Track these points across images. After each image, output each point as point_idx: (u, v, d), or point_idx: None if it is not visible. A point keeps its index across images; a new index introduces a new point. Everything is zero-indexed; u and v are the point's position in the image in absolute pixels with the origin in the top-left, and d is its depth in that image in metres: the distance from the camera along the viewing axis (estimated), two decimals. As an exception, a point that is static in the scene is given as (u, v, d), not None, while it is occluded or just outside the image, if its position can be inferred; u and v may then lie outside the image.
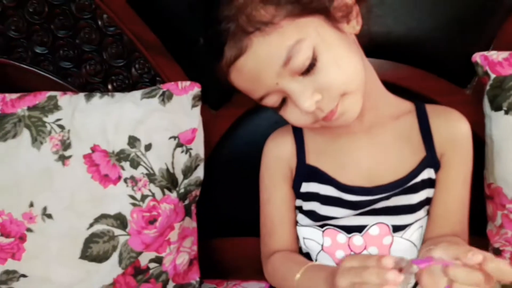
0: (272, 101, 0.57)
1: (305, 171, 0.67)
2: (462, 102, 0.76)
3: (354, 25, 0.57)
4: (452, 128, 0.64)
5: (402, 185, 0.63)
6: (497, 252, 0.76)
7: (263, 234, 0.72)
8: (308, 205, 0.67)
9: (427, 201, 0.66)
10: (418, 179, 0.64)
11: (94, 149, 0.73)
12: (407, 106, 0.67)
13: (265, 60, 0.52)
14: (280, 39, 0.51)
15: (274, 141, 0.70)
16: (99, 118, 0.74)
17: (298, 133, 0.68)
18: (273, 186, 0.69)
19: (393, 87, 0.68)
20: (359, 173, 0.65)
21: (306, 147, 0.67)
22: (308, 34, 0.52)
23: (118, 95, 0.76)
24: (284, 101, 0.57)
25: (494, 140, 0.72)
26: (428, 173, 0.64)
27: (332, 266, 0.57)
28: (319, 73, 0.53)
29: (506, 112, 0.68)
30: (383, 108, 0.66)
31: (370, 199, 0.64)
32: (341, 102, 0.55)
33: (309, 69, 0.53)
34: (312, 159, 0.67)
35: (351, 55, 0.55)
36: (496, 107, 0.70)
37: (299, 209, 0.69)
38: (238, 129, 0.83)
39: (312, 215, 0.67)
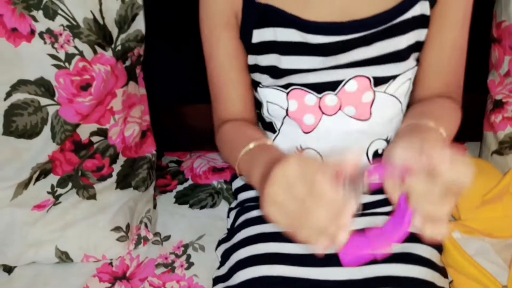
0: None
1: (255, 13, 0.52)
2: None
3: None
4: None
5: (386, 21, 0.49)
6: (499, 105, 0.66)
7: (211, 98, 0.59)
8: (264, 59, 0.53)
9: (418, 46, 0.52)
10: (408, 14, 0.50)
11: (-9, -5, 0.56)
12: None
13: None
14: None
15: None
16: None
17: None
18: (214, 37, 0.55)
19: None
20: (330, 8, 0.50)
21: None
22: None
23: None
24: None
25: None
26: (421, 8, 0.50)
27: (277, 153, 0.44)
28: None
29: None
30: None
31: (344, 40, 0.50)
32: None
33: None
34: None
35: None
36: None
37: (255, 67, 0.55)
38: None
39: (272, 72, 0.53)
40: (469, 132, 0.67)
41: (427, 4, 0.50)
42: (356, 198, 0.34)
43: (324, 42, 0.50)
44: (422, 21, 0.51)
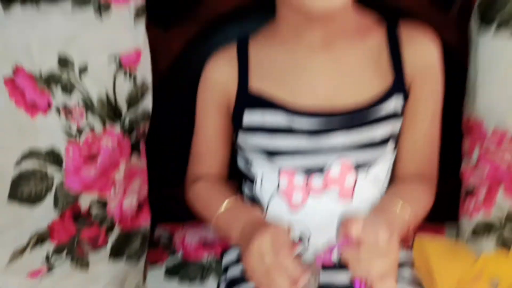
0: None
1: (247, 98, 0.59)
2: (444, 24, 0.68)
3: None
4: (424, 54, 0.58)
5: (364, 113, 0.56)
6: (472, 191, 0.72)
7: (190, 160, 0.68)
8: (253, 139, 0.60)
9: (393, 135, 0.60)
10: (383, 108, 0.57)
11: (16, 71, 0.61)
12: (376, 22, 0.59)
13: None
14: None
15: (213, 62, 0.63)
16: (22, 33, 0.61)
17: (242, 54, 0.60)
18: (206, 112, 0.64)
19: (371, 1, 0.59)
20: (315, 97, 0.57)
21: (251, 70, 0.59)
22: None
23: (44, 5, 0.63)
24: None
25: (478, 68, 0.64)
26: (395, 102, 0.58)
27: (254, 214, 0.57)
28: None
29: (498, 26, 0.60)
30: (351, 21, 0.57)
31: (326, 129, 0.56)
32: None
33: None
34: (256, 83, 0.59)
35: None
36: (487, 20, 0.61)
37: (246, 145, 0.62)
38: (192, 51, 0.72)
39: (262, 151, 0.59)
40: (451, 212, 0.73)
41: (400, 97, 0.57)
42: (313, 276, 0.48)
43: (308, 129, 0.57)
44: (396, 114, 0.58)
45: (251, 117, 0.59)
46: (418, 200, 0.59)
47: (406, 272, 0.62)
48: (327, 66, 0.57)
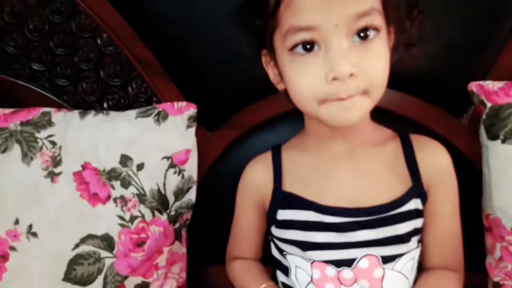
0: (301, 38, 0.53)
1: (281, 198, 0.66)
2: (458, 131, 0.75)
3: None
4: (436, 160, 0.64)
5: (386, 211, 0.62)
6: (497, 286, 0.74)
7: (230, 239, 0.76)
8: (287, 234, 0.66)
9: (416, 232, 0.64)
10: (404, 208, 0.62)
11: (84, 166, 0.72)
12: (391, 134, 0.67)
13: None
14: None
15: (251, 166, 0.71)
16: (92, 135, 0.73)
17: (276, 159, 0.68)
18: (243, 208, 0.72)
19: (386, 113, 0.68)
20: (340, 199, 0.63)
21: (284, 174, 0.67)
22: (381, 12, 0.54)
23: (113, 113, 0.76)
24: (309, 49, 0.53)
25: (491, 170, 0.70)
26: (415, 204, 0.63)
27: None
28: (369, 51, 0.53)
29: (503, 141, 0.68)
30: (369, 133, 0.65)
31: (352, 221, 0.62)
32: (358, 97, 0.54)
33: (367, 36, 0.52)
34: (289, 186, 0.66)
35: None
36: (493, 136, 0.69)
37: (280, 238, 0.67)
38: (233, 151, 0.82)
39: (295, 244, 0.65)
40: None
41: (419, 201, 0.63)
42: None
43: (336, 222, 0.62)
44: (417, 213, 0.63)
45: (284, 215, 0.66)
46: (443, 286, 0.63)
47: None
48: (350, 172, 0.64)
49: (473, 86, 0.74)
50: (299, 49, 0.53)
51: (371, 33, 0.52)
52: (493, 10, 0.75)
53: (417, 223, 0.64)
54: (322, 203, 0.63)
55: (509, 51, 0.74)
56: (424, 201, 0.64)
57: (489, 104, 0.71)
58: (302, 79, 0.55)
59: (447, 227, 0.65)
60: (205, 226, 0.85)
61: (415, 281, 0.65)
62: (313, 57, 0.53)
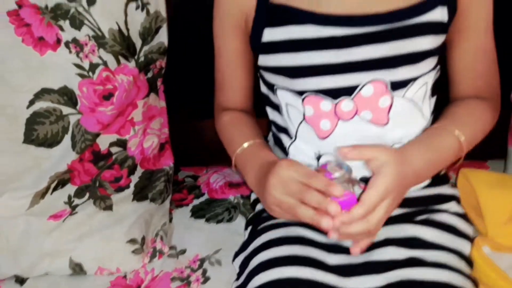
0: None
1: (267, 12, 0.53)
2: None
3: None
4: None
5: (402, 18, 0.49)
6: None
7: (215, 89, 0.66)
8: (275, 59, 0.54)
9: (434, 51, 0.52)
10: (426, 18, 0.50)
11: (20, 3, 0.57)
12: None
13: None
14: None
15: None
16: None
17: None
18: (224, 36, 0.60)
19: None
20: (343, 4, 0.50)
21: None
22: None
23: None
24: None
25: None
26: (441, 13, 0.50)
27: (274, 158, 0.54)
28: None
29: None
30: None
31: (358, 33, 0.50)
32: None
33: None
34: None
35: None
36: None
37: (267, 67, 0.56)
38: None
39: (285, 71, 0.54)
40: (493, 150, 0.67)
41: (445, 10, 0.50)
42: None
43: (338, 34, 0.50)
44: (441, 27, 0.51)
45: (272, 35, 0.53)
46: (474, 122, 0.53)
47: (453, 207, 0.58)
48: None
49: None
50: None
51: None
52: None
53: (439, 39, 0.52)
54: (321, 11, 0.50)
55: None
56: (452, 12, 0.51)
57: None
58: None
59: (479, 44, 0.54)
60: (184, 75, 0.73)
61: (436, 117, 0.55)
62: None
